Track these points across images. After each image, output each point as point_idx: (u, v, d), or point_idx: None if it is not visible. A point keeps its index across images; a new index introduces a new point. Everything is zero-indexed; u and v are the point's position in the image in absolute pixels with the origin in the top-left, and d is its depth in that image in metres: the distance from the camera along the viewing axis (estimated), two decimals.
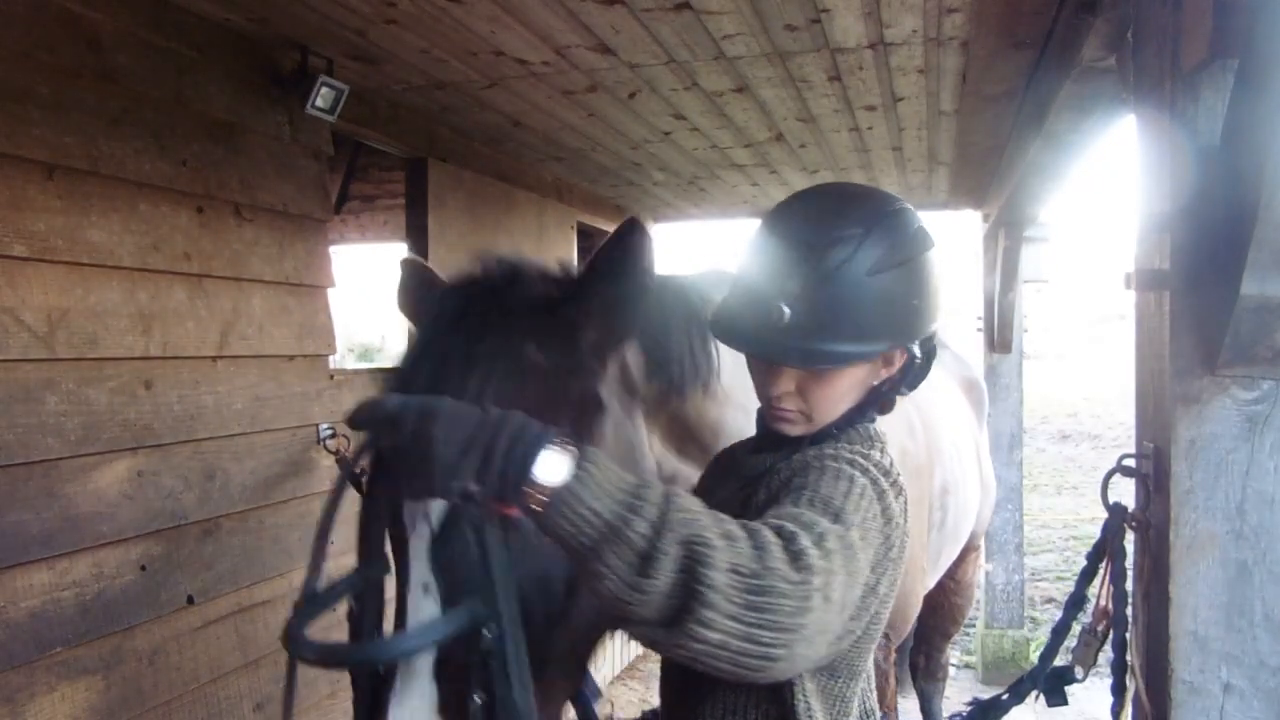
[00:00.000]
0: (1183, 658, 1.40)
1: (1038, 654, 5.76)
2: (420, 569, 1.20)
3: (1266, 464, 1.37)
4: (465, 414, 0.93)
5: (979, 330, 5.81)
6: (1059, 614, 1.97)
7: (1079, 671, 1.82)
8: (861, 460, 1.19)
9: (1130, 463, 1.72)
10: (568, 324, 1.33)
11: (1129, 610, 1.71)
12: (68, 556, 2.02)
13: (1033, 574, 7.40)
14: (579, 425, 1.30)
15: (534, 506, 0.89)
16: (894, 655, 2.29)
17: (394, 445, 0.95)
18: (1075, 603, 1.85)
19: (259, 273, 2.60)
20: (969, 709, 1.97)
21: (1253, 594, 1.38)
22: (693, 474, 1.56)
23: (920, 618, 3.67)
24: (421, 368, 1.28)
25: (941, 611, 3.93)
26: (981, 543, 4.26)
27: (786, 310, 1.17)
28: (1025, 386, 5.74)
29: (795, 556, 0.95)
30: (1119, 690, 1.72)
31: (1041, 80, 2.73)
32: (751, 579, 0.90)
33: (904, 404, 2.44)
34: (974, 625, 6.06)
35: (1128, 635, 1.70)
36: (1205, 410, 1.39)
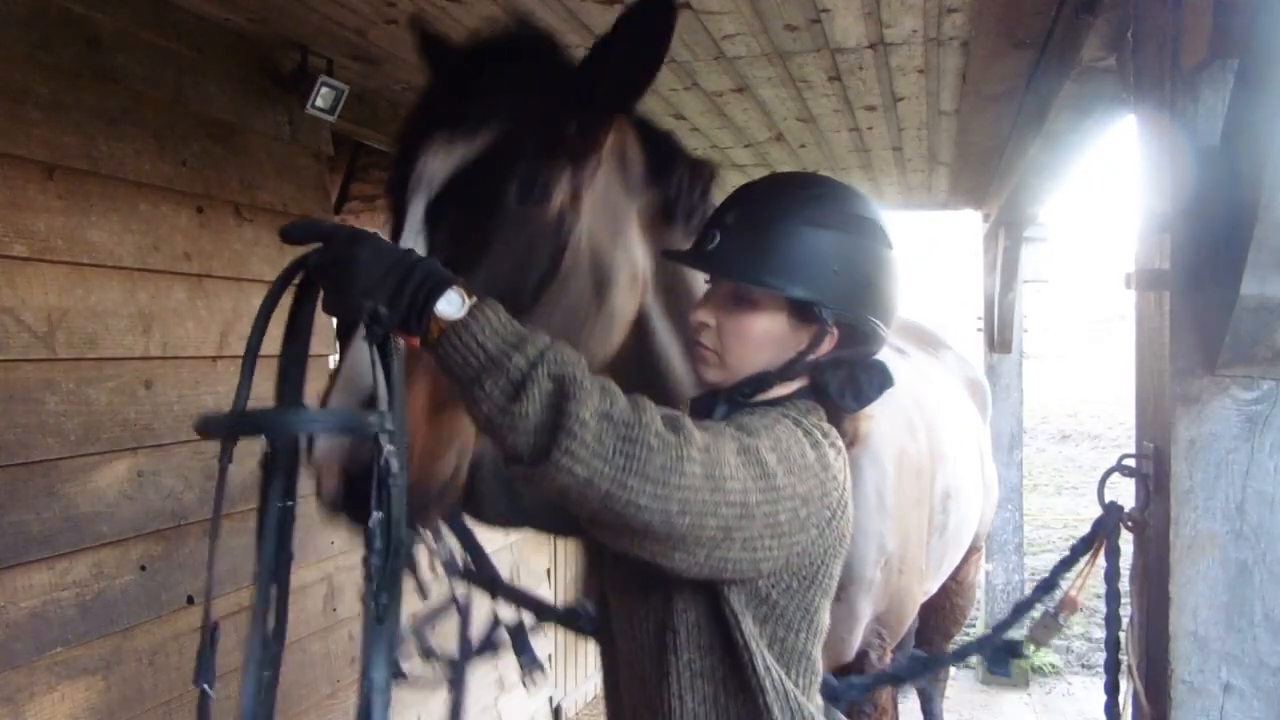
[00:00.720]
0: (1183, 658, 1.40)
1: (1037, 654, 5.78)
2: (345, 369, 1.25)
3: (1266, 464, 1.37)
4: (389, 249, 1.03)
5: (979, 330, 5.82)
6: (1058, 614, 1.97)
7: (1029, 647, 1.82)
8: (796, 415, 1.23)
9: (1130, 463, 1.72)
10: (569, 79, 1.35)
11: (1122, 609, 1.71)
12: (68, 556, 2.02)
13: (1033, 574, 7.39)
14: (574, 179, 1.33)
15: (430, 335, 0.99)
16: (890, 655, 2.29)
17: (320, 262, 1.08)
18: (1045, 586, 1.85)
19: (259, 273, 2.60)
20: (906, 661, 1.95)
21: (1253, 594, 1.38)
22: (671, 340, 1.57)
23: (921, 618, 3.67)
24: (421, 118, 1.34)
25: (942, 612, 3.93)
26: (983, 543, 4.26)
27: (719, 235, 1.27)
28: (1025, 386, 5.74)
29: (674, 425, 1.03)
30: (1112, 689, 1.73)
31: (1041, 80, 2.73)
32: (621, 426, 0.98)
33: (906, 403, 2.43)
34: (974, 625, 6.06)
35: (1121, 634, 1.70)
36: (1205, 410, 1.39)
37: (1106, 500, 1.74)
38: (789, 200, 1.30)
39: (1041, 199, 4.40)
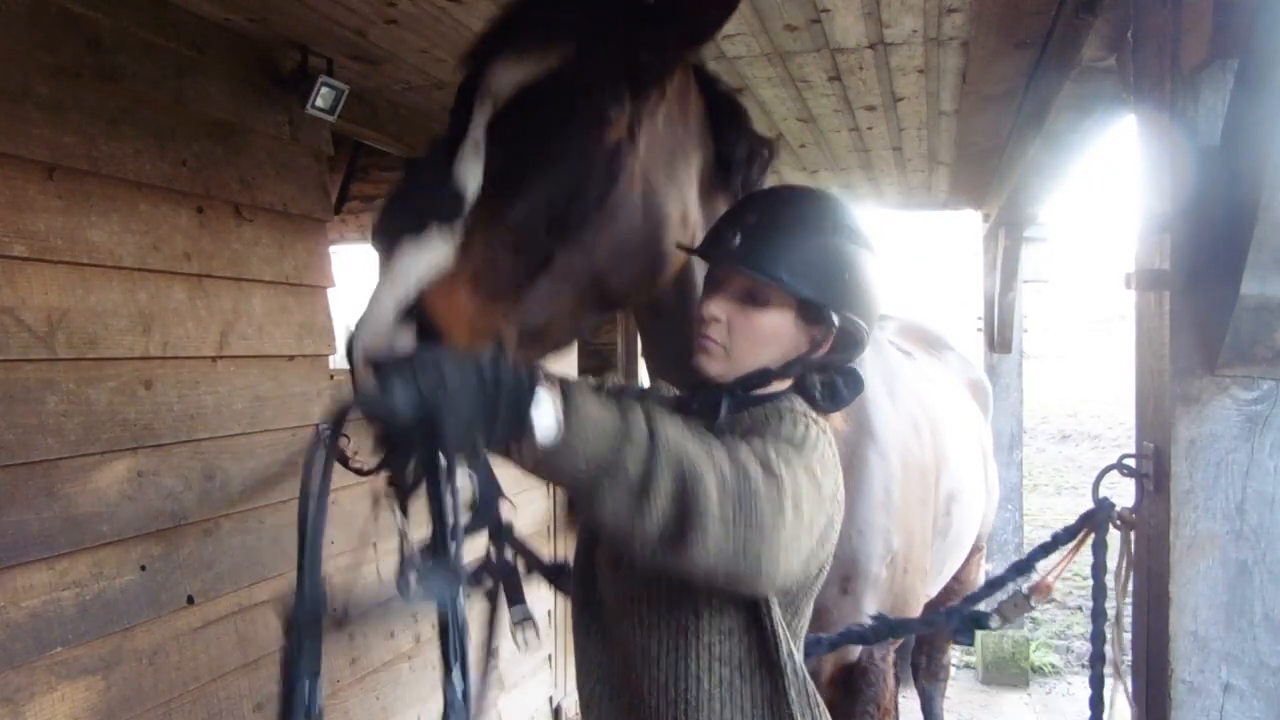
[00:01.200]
0: (1183, 658, 1.41)
1: (1036, 653, 5.81)
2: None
3: (1266, 464, 1.37)
4: (463, 396, 0.97)
5: (979, 330, 5.82)
6: (1058, 614, 1.97)
7: (995, 620, 1.84)
8: (804, 411, 1.30)
9: (1130, 462, 1.72)
10: (643, 10, 1.36)
11: (1109, 605, 1.71)
12: (68, 556, 2.02)
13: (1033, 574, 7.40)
14: (635, 109, 1.34)
15: (535, 461, 1.00)
16: (893, 655, 2.29)
17: (407, 434, 1.01)
18: (1020, 567, 1.86)
19: (259, 273, 2.60)
20: (874, 620, 1.94)
21: (1253, 594, 1.38)
22: None
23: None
24: (493, 34, 1.34)
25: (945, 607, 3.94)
26: (984, 544, 4.27)
27: (740, 234, 1.33)
28: (1025, 386, 5.74)
29: (765, 466, 1.08)
30: (1097, 682, 1.73)
31: (1041, 80, 2.73)
32: (737, 491, 1.02)
33: (911, 404, 2.46)
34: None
35: (1106, 629, 1.70)
36: (1205, 410, 1.39)
37: (1100, 496, 1.74)
38: (807, 208, 1.38)
39: (1041, 199, 4.40)
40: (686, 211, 1.51)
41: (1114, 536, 1.79)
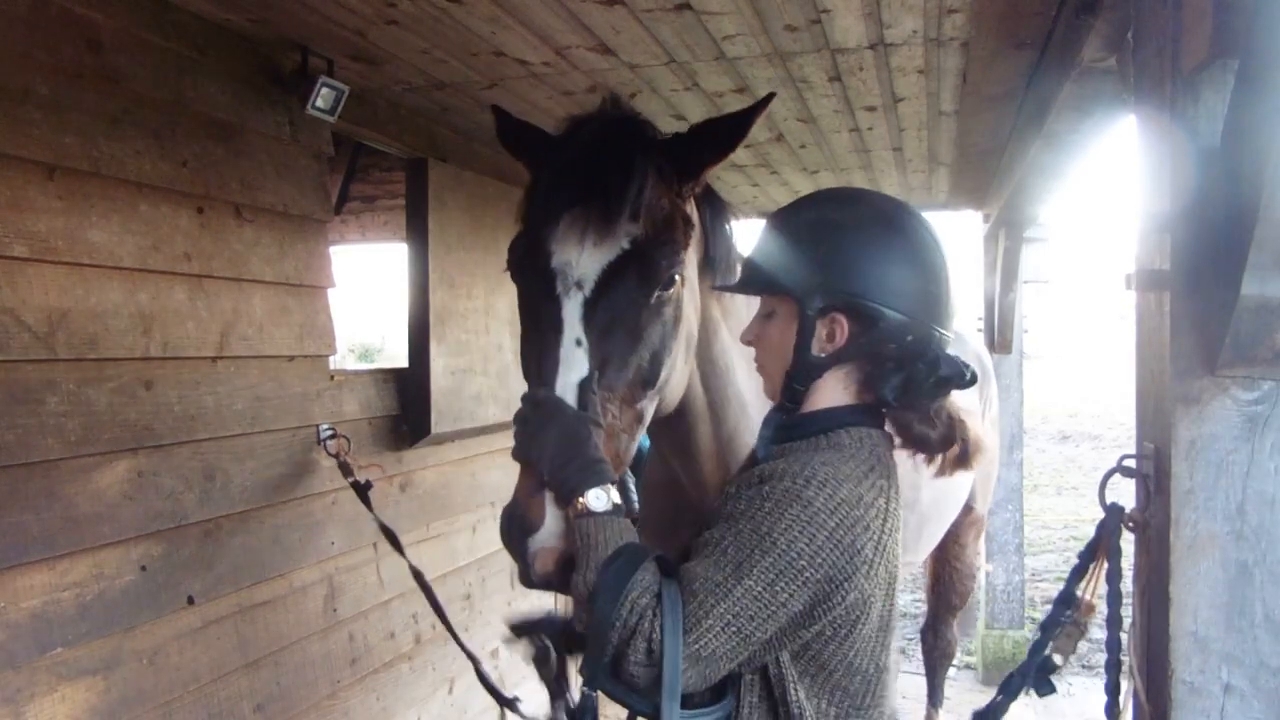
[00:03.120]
0: (1183, 658, 1.40)
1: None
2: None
3: (1267, 464, 1.37)
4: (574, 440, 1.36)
5: (979, 330, 5.82)
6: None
7: (1058, 659, 1.83)
8: (823, 474, 1.26)
9: (1130, 463, 1.72)
10: (665, 156, 1.54)
11: (1123, 609, 1.71)
12: (68, 557, 2.02)
13: (1033, 574, 7.40)
14: (676, 257, 1.51)
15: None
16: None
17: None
18: (1065, 600, 1.85)
19: (259, 273, 2.60)
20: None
21: (1253, 594, 1.38)
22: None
23: (925, 593, 3.73)
24: (551, 209, 1.48)
25: (943, 582, 4.03)
26: (985, 515, 4.28)
27: (745, 264, 1.48)
28: (1025, 386, 5.74)
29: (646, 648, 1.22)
30: (1114, 690, 1.72)
31: (1042, 80, 2.73)
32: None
33: None
34: (975, 625, 6.06)
35: (1122, 635, 1.70)
36: (1205, 411, 1.39)
37: (1108, 502, 1.74)
38: (785, 212, 1.44)
39: (1041, 199, 4.39)
40: (701, 312, 1.74)
41: (1126, 539, 1.78)
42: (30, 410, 1.94)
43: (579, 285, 1.44)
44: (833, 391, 1.37)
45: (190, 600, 2.35)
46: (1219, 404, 1.38)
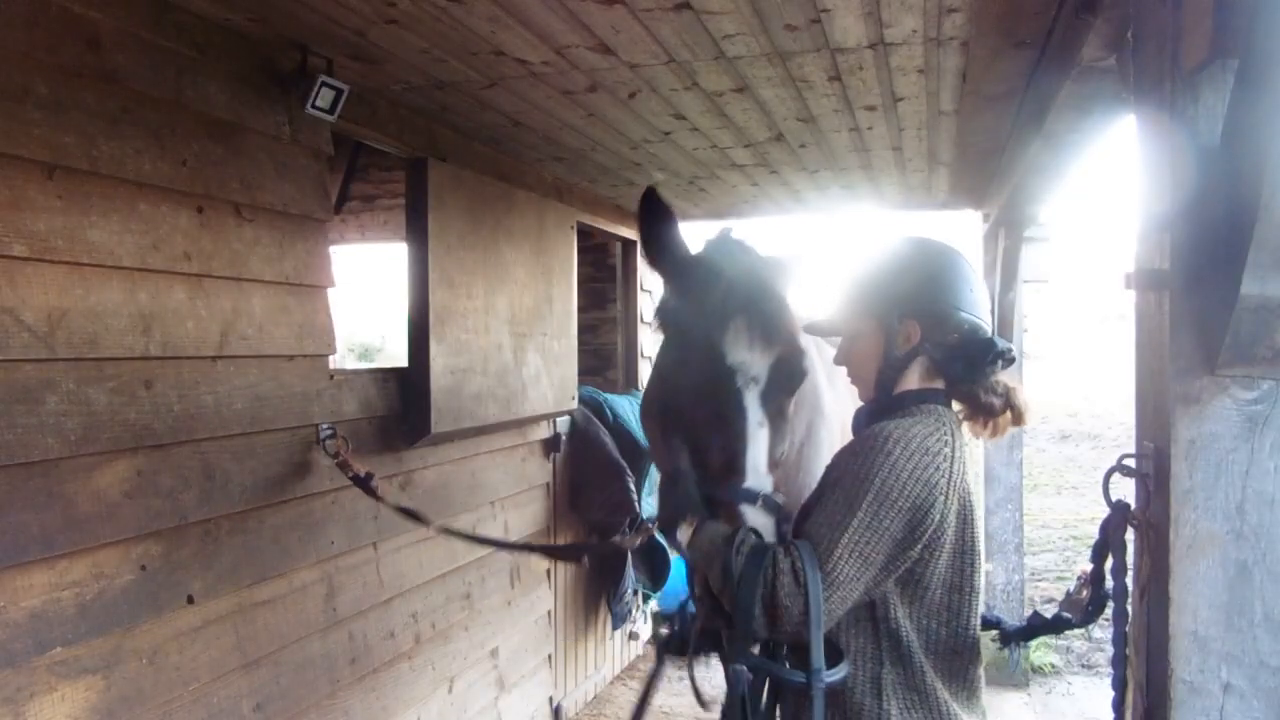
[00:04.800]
0: (1183, 658, 1.40)
1: (1036, 653, 5.80)
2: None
3: (1266, 464, 1.37)
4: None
5: None
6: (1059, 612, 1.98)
7: (1068, 615, 1.93)
8: (897, 434, 1.65)
9: (1130, 462, 1.72)
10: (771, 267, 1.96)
11: (1129, 606, 1.71)
12: (68, 556, 2.02)
13: (1033, 574, 7.40)
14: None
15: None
16: None
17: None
18: (1095, 579, 1.89)
19: (259, 273, 2.60)
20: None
21: (1253, 594, 1.38)
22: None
23: None
24: (734, 295, 1.80)
25: None
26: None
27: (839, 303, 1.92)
28: (1025, 386, 5.73)
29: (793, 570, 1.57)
30: (1121, 685, 1.73)
31: (1041, 80, 2.73)
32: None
33: (843, 387, 2.85)
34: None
35: (1128, 630, 1.70)
36: (1205, 410, 1.39)
37: (1113, 499, 1.74)
38: (848, 271, 1.91)
39: (1041, 199, 4.40)
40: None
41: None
42: (30, 410, 1.94)
43: (755, 380, 1.75)
44: (909, 379, 1.80)
45: (190, 600, 2.35)
46: (1219, 403, 1.38)
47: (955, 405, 1.83)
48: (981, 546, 1.76)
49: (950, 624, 1.69)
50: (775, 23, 2.43)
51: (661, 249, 1.89)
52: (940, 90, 3.09)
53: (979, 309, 1.80)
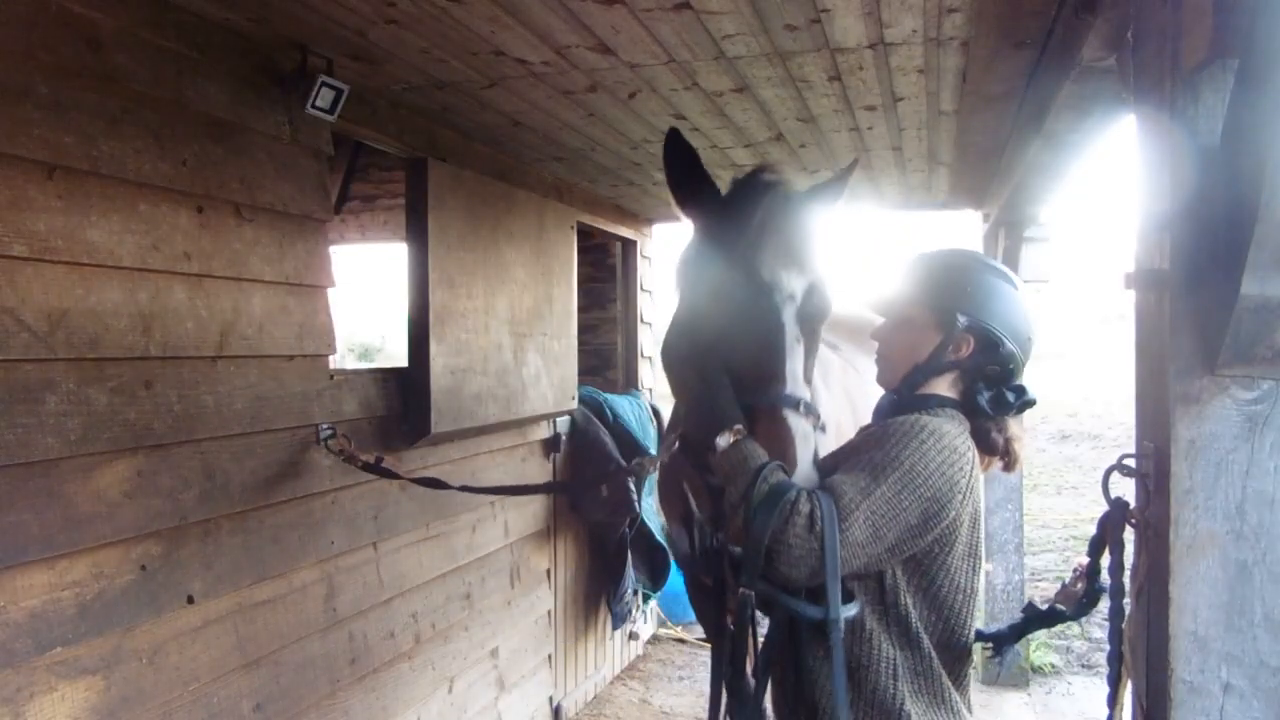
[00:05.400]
0: (1183, 658, 1.40)
1: (1036, 653, 5.81)
2: None
3: (1266, 464, 1.37)
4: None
5: None
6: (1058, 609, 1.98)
7: (1063, 608, 1.94)
8: (933, 425, 1.70)
9: (1130, 462, 1.72)
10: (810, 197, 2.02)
11: (1125, 604, 1.71)
12: (68, 556, 2.02)
13: (1033, 574, 7.41)
14: None
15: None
16: None
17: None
18: (1090, 572, 1.90)
19: (259, 273, 2.60)
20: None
21: (1253, 594, 1.38)
22: None
23: None
24: (772, 221, 1.86)
25: None
26: None
27: (913, 279, 1.91)
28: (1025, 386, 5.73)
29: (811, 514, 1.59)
30: (1115, 681, 1.73)
31: (1041, 80, 2.73)
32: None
33: (838, 389, 3.07)
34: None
35: (1124, 628, 1.71)
36: (1205, 410, 1.39)
37: (1112, 497, 1.74)
38: (938, 255, 1.92)
39: (1041, 199, 4.39)
40: None
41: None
42: (30, 410, 1.94)
43: (792, 298, 1.78)
44: (940, 386, 1.82)
45: (190, 600, 2.35)
46: (1219, 403, 1.38)
47: None
48: (983, 551, 1.81)
49: (949, 621, 1.72)
50: (775, 23, 2.43)
51: (692, 188, 1.97)
52: (940, 90, 3.09)
53: (1026, 352, 1.83)
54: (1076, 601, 1.90)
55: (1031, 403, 1.81)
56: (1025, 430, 1.86)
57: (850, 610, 1.64)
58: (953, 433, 1.70)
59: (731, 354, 1.79)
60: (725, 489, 1.69)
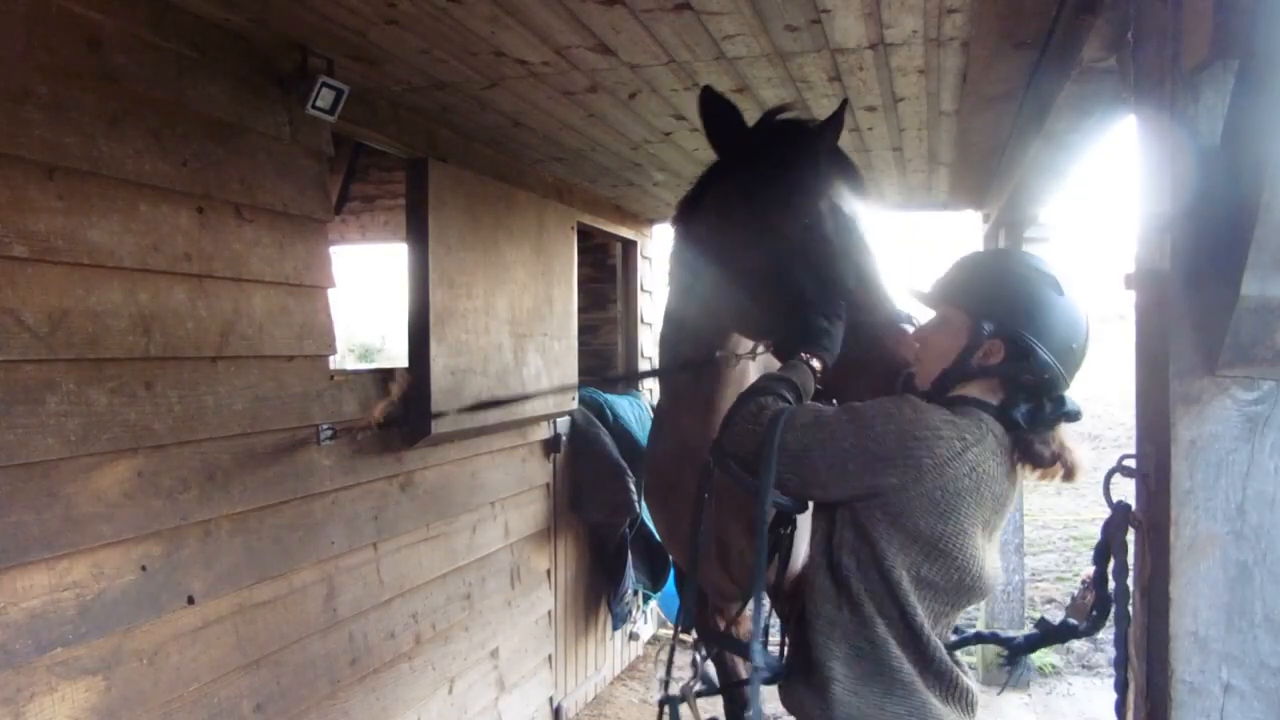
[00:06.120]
0: (1183, 658, 1.40)
1: (1037, 654, 5.83)
2: None
3: (1266, 464, 1.37)
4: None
5: None
6: (1059, 615, 1.98)
7: (1075, 622, 1.92)
8: (920, 405, 1.69)
9: (1130, 463, 1.72)
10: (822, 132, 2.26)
11: (1130, 608, 1.71)
12: (68, 557, 2.02)
13: (1033, 574, 7.40)
14: None
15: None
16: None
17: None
18: (1098, 581, 1.89)
19: (259, 273, 2.60)
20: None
21: (1253, 594, 1.38)
22: None
23: None
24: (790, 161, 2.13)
25: None
26: None
27: (950, 277, 1.87)
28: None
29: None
30: (1123, 686, 1.73)
31: (1042, 80, 2.73)
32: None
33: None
34: (974, 624, 6.05)
35: (1129, 631, 1.70)
36: (1205, 411, 1.39)
37: (1114, 500, 1.74)
38: (981, 256, 2.02)
39: (1041, 199, 4.39)
40: None
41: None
42: (30, 410, 1.94)
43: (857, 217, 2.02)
44: (972, 390, 1.75)
45: (190, 600, 2.35)
46: (1219, 404, 1.38)
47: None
48: (982, 579, 1.72)
49: (900, 601, 1.68)
50: (775, 23, 2.43)
51: (732, 134, 2.21)
52: (940, 91, 3.09)
53: (1068, 364, 1.72)
54: (1087, 614, 1.88)
55: (1071, 415, 1.71)
56: (1079, 439, 1.80)
57: (782, 499, 1.75)
58: (939, 418, 1.66)
59: (829, 274, 1.97)
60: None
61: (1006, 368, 1.71)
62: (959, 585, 1.69)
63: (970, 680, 1.75)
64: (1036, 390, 1.70)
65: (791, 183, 2.08)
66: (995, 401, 1.73)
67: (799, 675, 1.79)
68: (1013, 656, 2.04)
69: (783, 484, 1.72)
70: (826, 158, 2.14)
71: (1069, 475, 1.77)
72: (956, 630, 1.94)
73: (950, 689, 1.71)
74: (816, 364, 1.88)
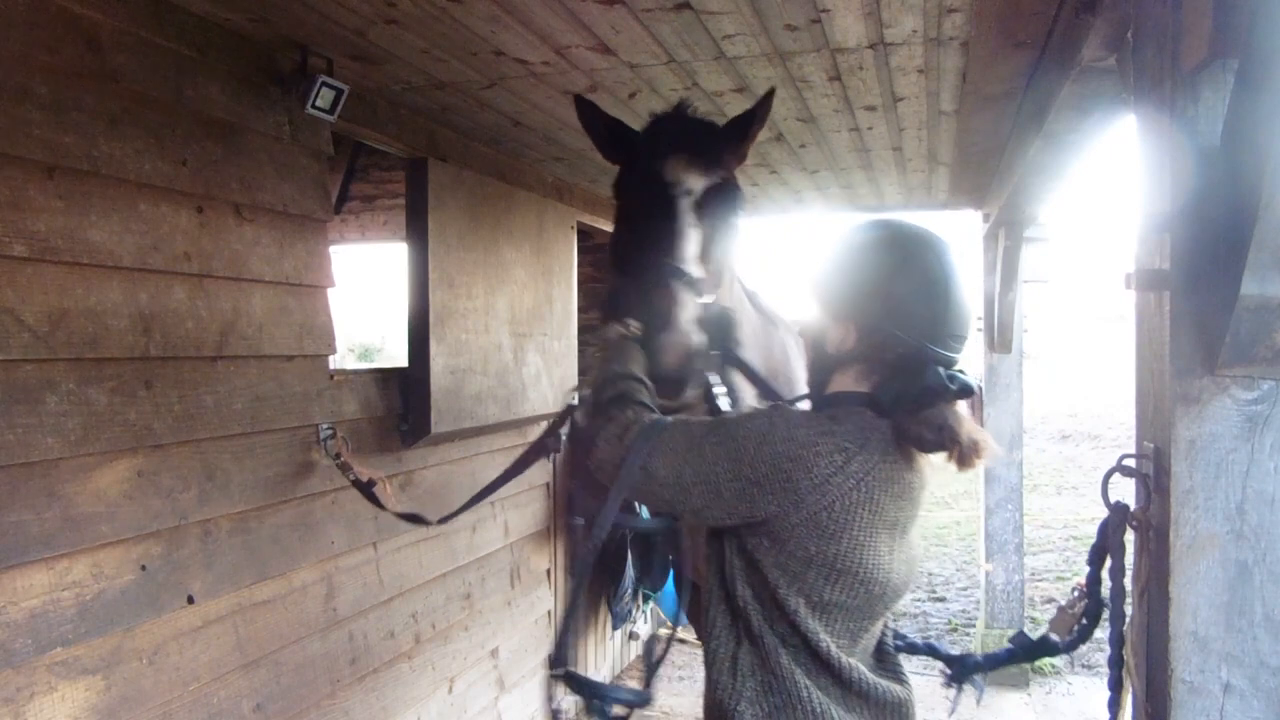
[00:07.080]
0: (1183, 658, 1.40)
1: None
2: None
3: (1266, 464, 1.37)
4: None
5: (979, 330, 5.81)
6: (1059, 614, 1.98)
7: (1055, 638, 1.87)
8: (794, 419, 1.58)
9: (1130, 463, 1.72)
10: (725, 132, 2.37)
11: (1126, 606, 1.71)
12: (68, 556, 2.02)
13: (1033, 574, 7.41)
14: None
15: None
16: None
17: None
18: (1091, 583, 1.88)
19: (259, 273, 2.60)
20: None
21: (1253, 594, 1.38)
22: None
23: None
24: (676, 137, 2.21)
25: None
26: None
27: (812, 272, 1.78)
28: (1025, 386, 5.74)
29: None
30: (1116, 685, 1.73)
31: (1041, 80, 2.73)
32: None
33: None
34: (974, 625, 6.06)
35: (1125, 631, 1.70)
36: (1205, 410, 1.39)
37: (1112, 500, 1.74)
38: (834, 240, 1.73)
39: (1041, 199, 4.40)
40: None
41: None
42: (30, 410, 1.94)
43: (689, 193, 2.08)
44: (844, 382, 1.63)
45: (190, 600, 2.35)
46: (1219, 403, 1.38)
47: None
48: (893, 584, 1.57)
49: (799, 627, 1.54)
50: (775, 23, 2.43)
51: (610, 136, 2.36)
52: (940, 90, 3.09)
53: (933, 330, 1.54)
54: (1071, 628, 1.85)
55: (934, 390, 1.50)
56: (970, 414, 1.60)
57: (649, 522, 1.84)
58: (815, 431, 1.52)
59: (638, 248, 2.06)
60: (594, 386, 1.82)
61: (861, 349, 1.58)
62: (869, 597, 1.55)
63: (903, 688, 1.63)
64: (903, 367, 1.54)
65: (640, 171, 2.21)
66: (867, 388, 1.59)
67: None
68: (960, 676, 1.96)
69: (651, 508, 1.71)
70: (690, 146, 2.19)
71: (963, 459, 1.51)
72: (900, 636, 1.84)
73: (880, 706, 1.58)
74: (635, 326, 1.92)
